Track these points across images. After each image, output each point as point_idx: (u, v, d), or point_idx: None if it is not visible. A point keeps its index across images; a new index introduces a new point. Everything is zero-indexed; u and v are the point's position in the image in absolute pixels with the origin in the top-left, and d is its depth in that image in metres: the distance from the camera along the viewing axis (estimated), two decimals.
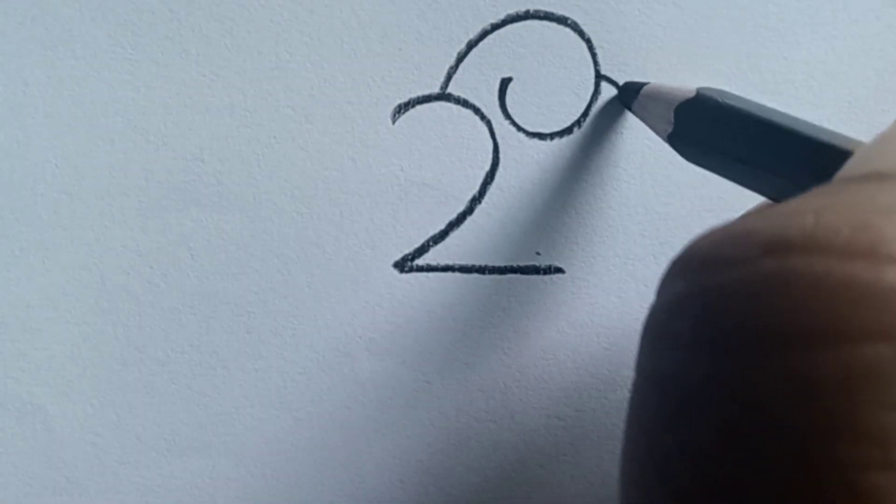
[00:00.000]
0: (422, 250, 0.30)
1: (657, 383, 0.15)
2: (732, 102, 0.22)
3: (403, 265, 0.30)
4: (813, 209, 0.14)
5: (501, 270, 0.30)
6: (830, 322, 0.12)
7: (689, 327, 0.14)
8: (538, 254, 0.30)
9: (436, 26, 0.29)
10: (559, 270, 0.30)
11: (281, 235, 0.29)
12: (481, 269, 0.30)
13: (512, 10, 0.29)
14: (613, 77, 0.30)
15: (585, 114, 0.30)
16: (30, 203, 0.29)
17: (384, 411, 0.30)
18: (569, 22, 0.30)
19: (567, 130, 0.30)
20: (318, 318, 0.30)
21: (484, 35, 0.29)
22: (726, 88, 0.30)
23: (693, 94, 0.24)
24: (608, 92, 0.30)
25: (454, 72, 0.30)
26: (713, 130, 0.23)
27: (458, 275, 0.30)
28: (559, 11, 0.30)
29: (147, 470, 0.30)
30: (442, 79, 0.30)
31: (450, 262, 0.30)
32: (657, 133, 0.26)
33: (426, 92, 0.30)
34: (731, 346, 0.13)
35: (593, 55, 0.30)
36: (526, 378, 0.30)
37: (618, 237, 0.30)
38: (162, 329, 0.29)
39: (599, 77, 0.30)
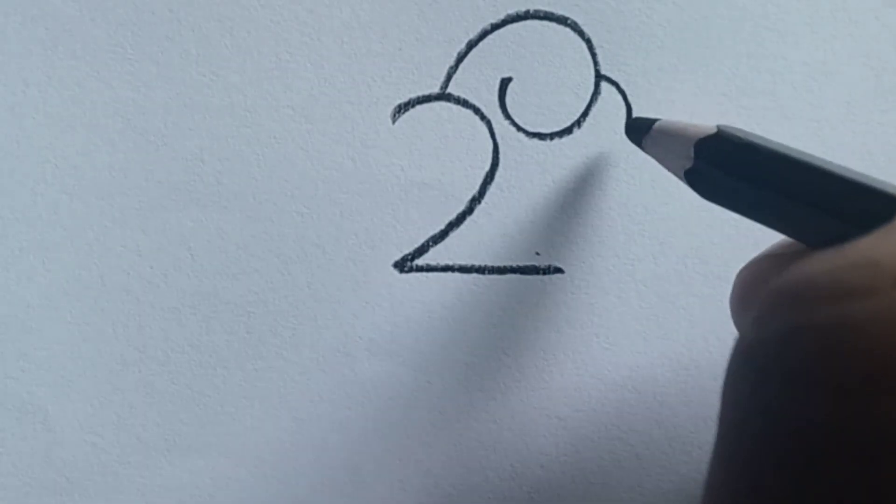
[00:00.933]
0: (422, 250, 0.30)
1: (763, 420, 0.13)
2: (756, 140, 0.22)
3: (403, 265, 0.30)
4: None
5: (501, 270, 0.30)
6: None
7: (805, 362, 0.13)
8: (538, 254, 0.30)
9: (436, 26, 0.29)
10: (559, 270, 0.30)
11: (281, 235, 0.29)
12: (481, 269, 0.30)
13: (512, 10, 0.29)
14: (613, 77, 0.30)
15: (585, 114, 0.30)
16: (30, 203, 0.29)
17: (384, 411, 0.30)
18: (569, 22, 0.30)
19: (567, 130, 0.30)
20: (318, 318, 0.30)
21: (484, 35, 0.29)
22: (726, 88, 0.30)
23: (713, 130, 0.23)
24: (608, 92, 0.30)
25: (454, 72, 0.30)
26: (735, 168, 0.22)
27: (458, 275, 0.30)
28: (559, 11, 0.30)
29: (147, 470, 0.30)
30: (442, 79, 0.30)
31: (450, 262, 0.30)
32: (671, 170, 0.25)
33: (426, 92, 0.30)
34: (861, 383, 0.12)
35: (593, 55, 0.30)
36: (526, 378, 0.30)
37: (618, 237, 0.30)
38: (162, 329, 0.29)
39: (599, 77, 0.30)
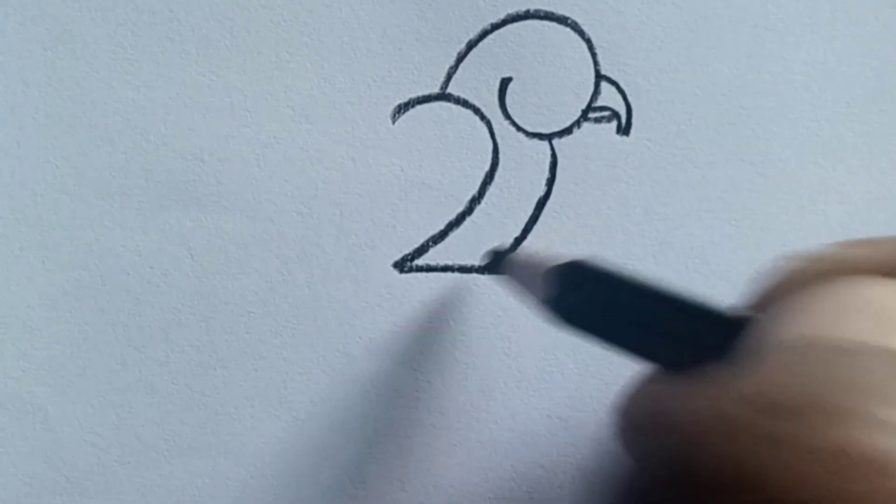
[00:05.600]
0: (422, 250, 0.30)
1: None
2: (608, 268, 0.22)
3: (403, 265, 0.30)
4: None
5: (501, 270, 0.30)
6: None
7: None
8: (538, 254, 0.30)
9: (436, 26, 0.29)
10: None
11: (281, 235, 0.29)
12: (481, 270, 0.30)
13: (512, 10, 0.29)
14: (613, 77, 0.30)
15: (585, 114, 0.30)
16: (30, 203, 0.29)
17: (384, 411, 0.30)
18: (569, 22, 0.30)
19: (567, 130, 0.30)
20: (318, 318, 0.30)
21: (484, 35, 0.29)
22: (726, 88, 0.30)
23: (567, 260, 0.23)
24: (608, 92, 0.30)
25: (454, 72, 0.30)
26: (590, 297, 0.22)
27: (457, 275, 0.30)
28: (559, 11, 0.30)
29: (147, 470, 0.30)
30: (442, 79, 0.30)
31: (449, 262, 0.30)
32: (530, 301, 0.25)
33: (426, 92, 0.30)
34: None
35: (593, 55, 0.30)
36: (526, 378, 0.30)
37: (617, 237, 0.30)
38: (162, 329, 0.29)
39: (599, 77, 0.30)
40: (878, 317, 0.16)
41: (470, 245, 0.30)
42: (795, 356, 0.16)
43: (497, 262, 0.29)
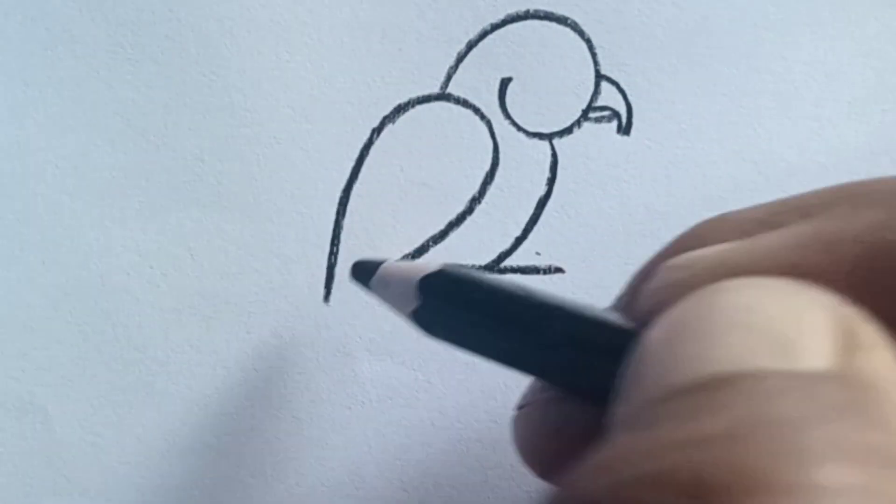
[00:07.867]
0: (422, 250, 0.30)
1: None
2: (478, 276, 0.21)
3: None
4: (686, 465, 0.12)
5: (501, 270, 0.30)
6: None
7: None
8: (538, 254, 0.30)
9: (436, 26, 0.29)
10: (559, 270, 0.30)
11: (281, 235, 0.29)
12: (481, 269, 0.30)
13: (512, 10, 0.29)
14: (613, 77, 0.30)
15: (585, 114, 0.30)
16: (30, 203, 0.29)
17: (384, 411, 0.30)
18: (569, 22, 0.30)
19: (567, 130, 0.30)
20: (318, 318, 0.30)
21: (484, 35, 0.29)
22: (725, 89, 0.30)
23: (437, 268, 0.22)
24: (608, 92, 0.30)
25: (454, 72, 0.30)
26: (460, 305, 0.21)
27: None
28: (559, 11, 0.30)
29: (147, 470, 0.30)
30: (442, 79, 0.30)
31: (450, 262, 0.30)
32: (401, 313, 0.24)
33: (426, 92, 0.30)
34: None
35: (593, 55, 0.30)
36: (526, 378, 0.30)
37: (618, 237, 0.30)
38: (162, 329, 0.29)
39: (599, 77, 0.30)
40: (766, 333, 0.13)
41: (470, 245, 0.30)
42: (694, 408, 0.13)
43: (364, 274, 0.26)
